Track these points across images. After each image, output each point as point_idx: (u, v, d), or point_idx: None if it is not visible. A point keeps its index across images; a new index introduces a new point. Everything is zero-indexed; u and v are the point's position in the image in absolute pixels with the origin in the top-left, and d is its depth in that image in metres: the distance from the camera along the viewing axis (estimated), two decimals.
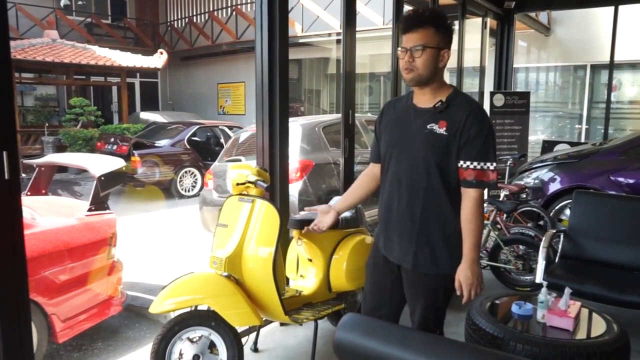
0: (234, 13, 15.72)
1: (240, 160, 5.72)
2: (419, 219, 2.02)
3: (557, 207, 5.12)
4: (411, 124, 2.04)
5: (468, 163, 1.94)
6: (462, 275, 1.95)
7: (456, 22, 6.09)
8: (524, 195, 5.23)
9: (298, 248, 3.07)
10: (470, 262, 1.95)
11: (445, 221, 2.00)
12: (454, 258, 2.01)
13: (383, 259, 2.17)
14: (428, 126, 1.97)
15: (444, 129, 1.95)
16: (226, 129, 10.59)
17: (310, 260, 3.07)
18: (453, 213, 2.00)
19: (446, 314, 2.18)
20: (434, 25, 1.92)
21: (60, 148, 11.89)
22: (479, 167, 1.93)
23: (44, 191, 4.07)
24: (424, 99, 2.03)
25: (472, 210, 1.96)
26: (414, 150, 2.01)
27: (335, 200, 3.32)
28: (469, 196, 1.96)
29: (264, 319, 2.79)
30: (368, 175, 2.29)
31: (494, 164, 1.95)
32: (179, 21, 18.23)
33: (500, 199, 4.62)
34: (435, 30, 1.92)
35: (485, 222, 4.36)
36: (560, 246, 3.69)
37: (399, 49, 1.99)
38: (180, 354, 2.48)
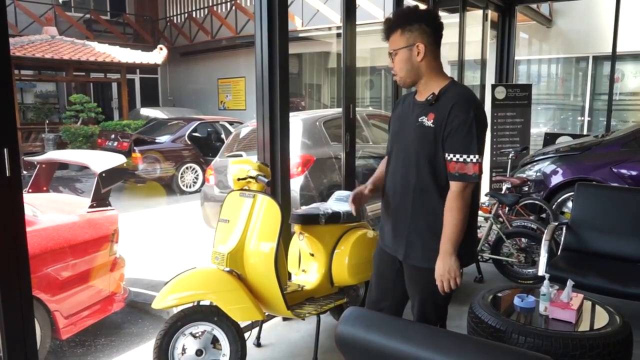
0: (233, 8, 15.66)
1: (241, 156, 5.71)
2: (410, 212, 2.04)
3: (559, 200, 5.11)
4: (408, 118, 2.07)
5: (452, 156, 1.94)
6: (436, 267, 1.98)
7: (456, 15, 6.06)
8: (526, 188, 5.22)
9: (300, 243, 3.07)
10: (443, 254, 1.95)
11: (435, 215, 2.00)
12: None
13: (387, 251, 2.19)
14: (419, 119, 2.00)
15: (432, 121, 1.96)
16: (227, 125, 10.58)
17: (312, 254, 3.07)
18: (443, 206, 1.99)
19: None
20: (399, 27, 1.98)
21: (60, 145, 11.89)
22: (461, 159, 1.92)
23: (45, 188, 4.07)
24: (422, 94, 2.06)
25: (450, 204, 1.95)
26: (407, 144, 2.04)
27: (338, 195, 3.33)
28: (451, 189, 1.96)
29: (266, 313, 2.79)
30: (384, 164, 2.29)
31: (477, 157, 1.91)
32: (179, 16, 18.17)
33: (502, 192, 4.61)
34: (402, 30, 1.98)
35: (487, 215, 4.36)
36: (562, 239, 3.69)
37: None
38: (183, 349, 2.49)
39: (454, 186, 1.95)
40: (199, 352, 2.50)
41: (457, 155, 1.92)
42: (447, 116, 1.92)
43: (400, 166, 2.07)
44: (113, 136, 9.82)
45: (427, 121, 1.97)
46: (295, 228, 2.99)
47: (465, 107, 1.92)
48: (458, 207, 1.94)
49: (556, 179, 5.14)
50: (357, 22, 3.94)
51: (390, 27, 2.00)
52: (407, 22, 1.97)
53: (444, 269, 1.95)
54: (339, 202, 3.25)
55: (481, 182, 2.14)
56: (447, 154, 1.94)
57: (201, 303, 2.56)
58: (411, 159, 2.02)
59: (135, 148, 8.93)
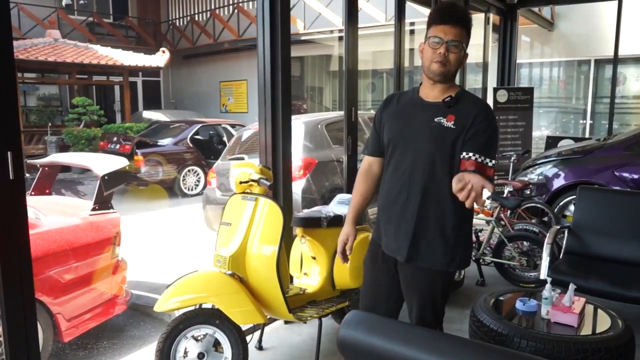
0: (235, 11, 15.71)
1: (243, 159, 5.71)
2: (417, 212, 2.00)
3: (561, 203, 5.10)
4: (417, 116, 2.03)
5: (471, 154, 1.91)
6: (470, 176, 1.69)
7: None
8: (528, 192, 5.22)
9: (302, 246, 3.07)
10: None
11: (443, 216, 1.98)
12: (450, 254, 2.00)
13: (381, 257, 2.16)
14: (435, 119, 1.97)
15: (452, 122, 1.94)
16: (229, 127, 10.60)
17: (314, 258, 3.07)
18: (453, 208, 1.97)
19: (450, 310, 2.18)
20: (467, 28, 1.97)
21: (63, 148, 11.92)
22: (480, 159, 1.90)
23: (47, 191, 4.08)
24: (432, 94, 2.02)
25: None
26: (418, 143, 2.00)
27: (340, 198, 3.34)
28: None
29: (268, 317, 2.79)
30: (365, 176, 2.22)
31: (493, 162, 1.93)
32: (181, 19, 18.23)
33: (504, 195, 4.61)
34: (467, 33, 1.97)
35: (489, 218, 4.36)
36: (564, 242, 3.69)
37: (435, 38, 1.93)
38: (185, 352, 2.49)
39: None
40: (200, 355, 2.50)
41: (477, 155, 1.90)
42: (471, 121, 1.92)
43: (409, 165, 2.02)
44: (115, 139, 9.83)
45: (447, 122, 1.95)
46: (297, 231, 2.99)
47: (490, 115, 1.98)
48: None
49: (558, 182, 5.13)
50: (359, 25, 3.95)
51: (463, 20, 1.96)
52: (470, 29, 1.99)
53: (480, 181, 1.67)
54: (341, 205, 3.25)
55: None
56: (465, 153, 1.91)
57: (203, 306, 2.56)
58: (423, 158, 1.98)
59: (137, 151, 8.94)
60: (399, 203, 2.05)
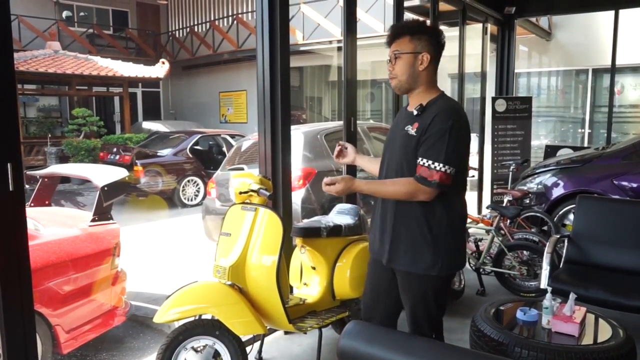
0: (235, 22, 15.81)
1: (242, 169, 5.72)
2: (392, 218, 2.10)
3: (560, 212, 5.10)
4: (397, 126, 2.17)
5: (419, 159, 1.99)
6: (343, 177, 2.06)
7: (456, 28, 6.11)
8: (527, 201, 5.22)
9: (301, 256, 3.07)
10: (356, 180, 2.06)
11: (416, 221, 2.03)
12: (432, 257, 2.02)
13: (381, 261, 2.22)
14: (405, 128, 2.07)
15: (415, 130, 2.03)
16: (228, 138, 10.62)
17: (314, 268, 3.06)
18: (432, 213, 2.02)
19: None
20: (408, 33, 2.05)
21: (63, 159, 11.93)
22: (426, 164, 1.96)
23: (47, 202, 4.08)
24: (412, 104, 2.14)
25: (400, 184, 2.01)
26: (394, 152, 2.13)
27: (339, 208, 3.34)
28: (410, 181, 1.99)
29: (268, 327, 2.78)
30: None
31: (443, 166, 1.93)
32: (181, 31, 18.35)
33: (504, 204, 4.61)
34: (411, 37, 2.04)
35: (489, 227, 4.36)
36: (564, 251, 3.68)
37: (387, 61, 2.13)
38: None
39: (413, 184, 1.97)
40: None
41: (424, 160, 1.97)
42: (428, 124, 1.98)
43: (387, 173, 2.16)
44: (115, 150, 9.86)
45: (412, 130, 2.03)
46: (297, 241, 2.99)
47: (445, 116, 1.97)
48: (399, 191, 2.01)
49: (557, 192, 5.14)
50: (358, 36, 3.98)
51: (399, 32, 2.06)
52: (417, 31, 2.04)
53: (343, 185, 2.04)
54: (341, 215, 3.25)
55: (466, 189, 2.18)
56: (418, 159, 1.99)
57: (203, 317, 2.55)
58: (395, 166, 2.10)
59: (137, 161, 8.95)
60: (380, 209, 2.18)
